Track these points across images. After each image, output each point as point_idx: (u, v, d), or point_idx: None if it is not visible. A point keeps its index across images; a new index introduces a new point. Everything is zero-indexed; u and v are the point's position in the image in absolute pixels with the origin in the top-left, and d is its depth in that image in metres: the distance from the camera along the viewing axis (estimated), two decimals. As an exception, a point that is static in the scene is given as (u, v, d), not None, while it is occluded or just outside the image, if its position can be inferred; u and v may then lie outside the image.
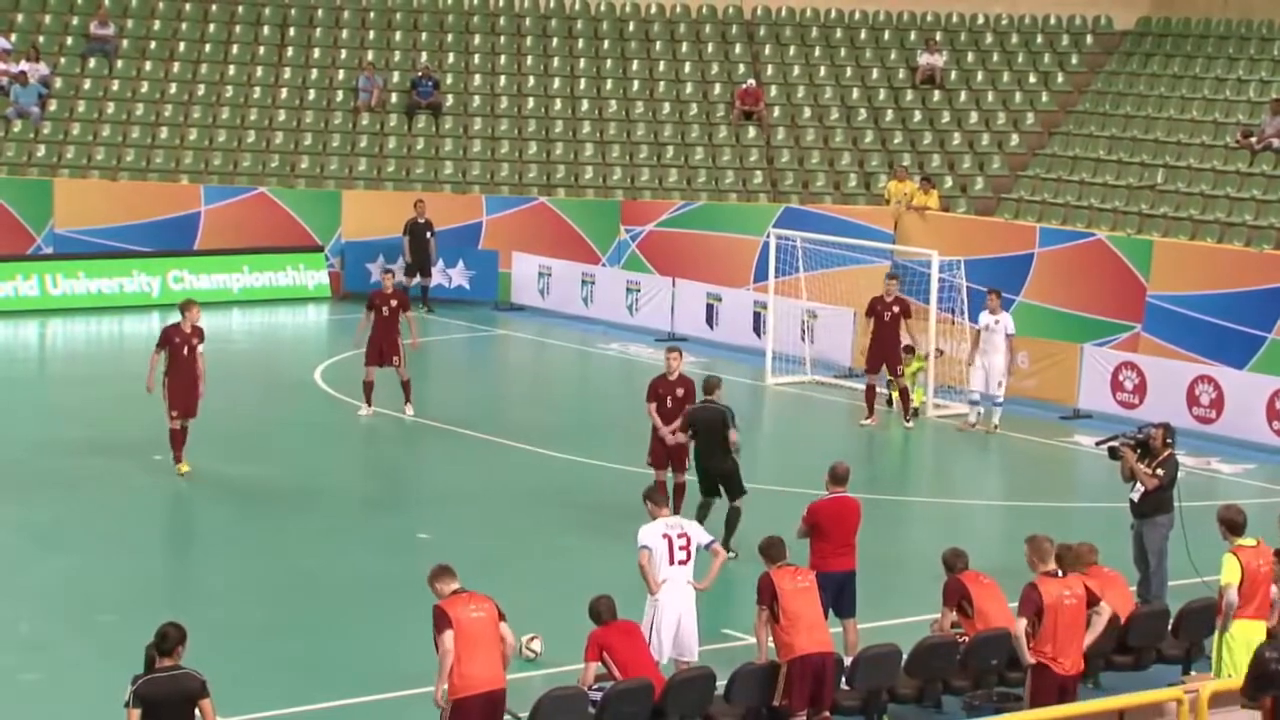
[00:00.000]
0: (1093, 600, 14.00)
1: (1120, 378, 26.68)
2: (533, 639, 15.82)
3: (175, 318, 22.14)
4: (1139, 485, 17.45)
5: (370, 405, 24.97)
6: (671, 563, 14.83)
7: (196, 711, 11.61)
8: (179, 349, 21.46)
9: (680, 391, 20.24)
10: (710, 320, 31.91)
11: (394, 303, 24.89)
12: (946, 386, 27.48)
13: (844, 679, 14.42)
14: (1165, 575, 17.46)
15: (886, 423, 26.29)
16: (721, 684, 13.97)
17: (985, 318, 25.93)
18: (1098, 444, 18.61)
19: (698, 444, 19.27)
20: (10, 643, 16.42)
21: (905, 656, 14.59)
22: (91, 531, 19.90)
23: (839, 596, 15.70)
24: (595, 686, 13.64)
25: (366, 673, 15.75)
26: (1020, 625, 13.63)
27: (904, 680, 14.64)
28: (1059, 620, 13.61)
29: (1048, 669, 13.64)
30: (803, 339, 29.37)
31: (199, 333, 21.65)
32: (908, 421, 26.11)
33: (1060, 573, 13.87)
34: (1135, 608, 15.95)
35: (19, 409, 25.58)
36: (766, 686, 13.99)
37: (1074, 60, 40.11)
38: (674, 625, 14.81)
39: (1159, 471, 17.38)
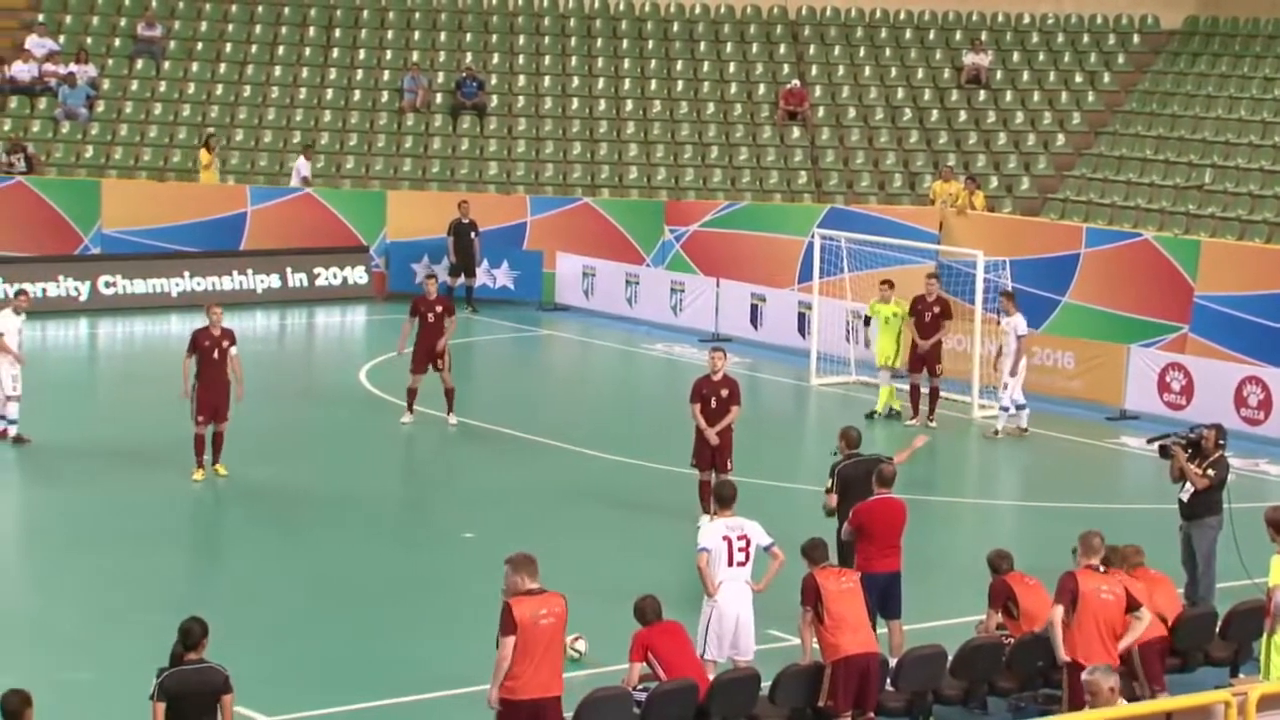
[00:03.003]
0: (1134, 604, 13.93)
1: (1167, 379, 26.53)
2: (577, 639, 15.81)
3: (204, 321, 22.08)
4: (1188, 486, 17.34)
5: (412, 412, 24.84)
6: (730, 564, 14.75)
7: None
8: (208, 352, 21.35)
9: (725, 392, 20.21)
10: (755, 320, 31.88)
11: (439, 308, 24.58)
12: (990, 388, 27.36)
13: (889, 680, 14.38)
14: (1213, 578, 17.35)
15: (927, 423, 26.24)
16: (766, 685, 13.95)
17: (1003, 320, 25.82)
18: (1149, 441, 18.52)
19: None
20: (53, 641, 16.52)
21: (950, 658, 14.54)
22: (133, 531, 19.98)
23: (884, 598, 15.65)
24: (640, 687, 13.63)
25: (408, 673, 15.77)
26: (1057, 613, 13.62)
27: (949, 682, 14.59)
28: (1092, 610, 13.59)
29: (1084, 667, 13.58)
30: (847, 339, 29.28)
31: (229, 335, 21.50)
32: (915, 419, 25.98)
33: (1102, 569, 13.83)
34: (1182, 610, 15.85)
35: (64, 409, 25.70)
36: (811, 687, 13.96)
37: (1120, 60, 39.93)
38: (732, 625, 14.77)
39: (1210, 472, 17.27)
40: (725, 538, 14.78)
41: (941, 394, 26.43)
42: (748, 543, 14.85)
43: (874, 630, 14.59)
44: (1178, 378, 26.45)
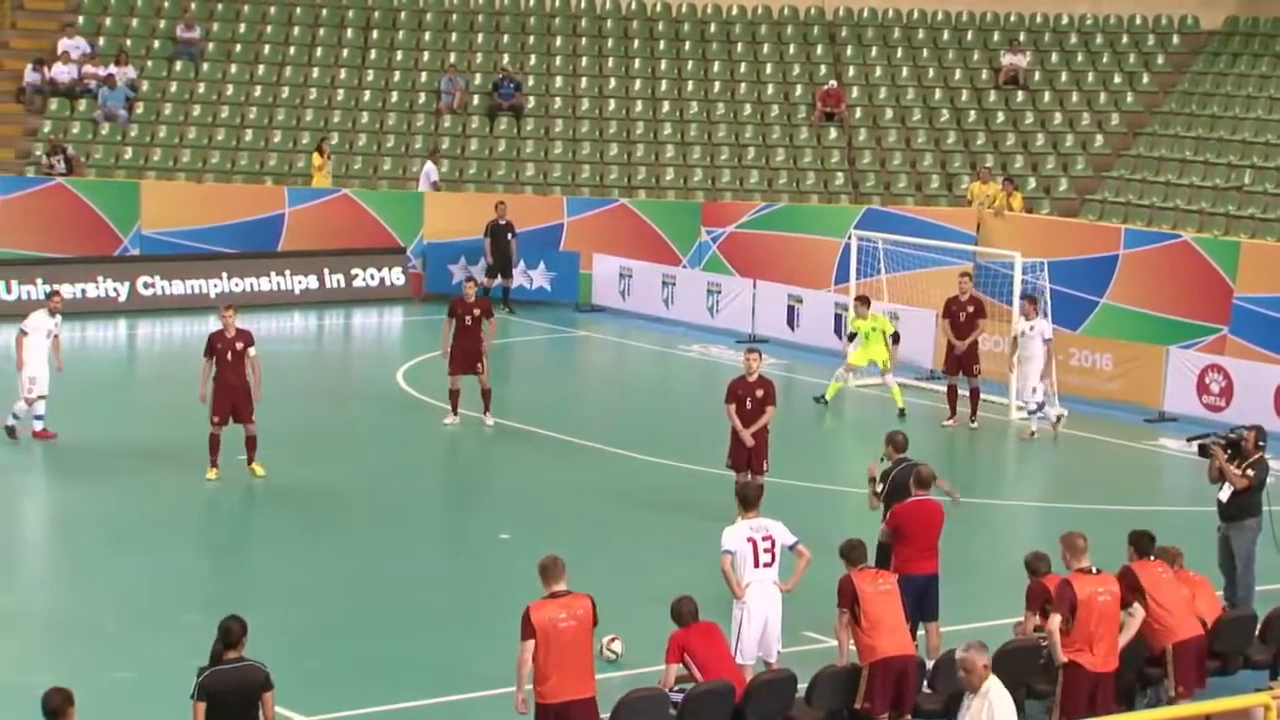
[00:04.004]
0: (1127, 601, 13.98)
1: (1207, 380, 26.41)
2: (613, 640, 15.82)
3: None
4: (1227, 486, 17.29)
5: (456, 413, 24.86)
6: (756, 565, 14.69)
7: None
8: (222, 355, 21.30)
9: (760, 393, 20.19)
10: (791, 322, 31.84)
11: (476, 311, 24.50)
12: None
13: (926, 682, 14.35)
14: (1252, 580, 17.27)
15: (960, 424, 26.19)
16: (803, 686, 13.93)
17: (1020, 324, 25.71)
18: (1189, 440, 18.50)
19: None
20: (92, 640, 16.60)
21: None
22: (171, 532, 20.07)
23: (921, 600, 15.61)
24: (676, 688, 13.63)
25: (444, 673, 15.81)
26: (1055, 621, 13.69)
27: (987, 684, 14.54)
28: (1091, 616, 13.67)
29: (1080, 667, 13.70)
30: (893, 345, 29.20)
31: (243, 337, 21.41)
32: (953, 420, 25.95)
33: (1095, 570, 13.85)
34: (1222, 613, 15.79)
35: (103, 410, 25.84)
36: (848, 689, 13.94)
37: (1160, 60, 39.78)
38: (760, 627, 14.73)
39: (1249, 473, 17.22)
40: (750, 539, 14.70)
41: (982, 395, 26.37)
42: (773, 543, 14.78)
43: (911, 632, 14.57)
44: (1217, 379, 26.33)
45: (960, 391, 26.22)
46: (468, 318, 24.51)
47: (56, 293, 24.48)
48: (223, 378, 21.37)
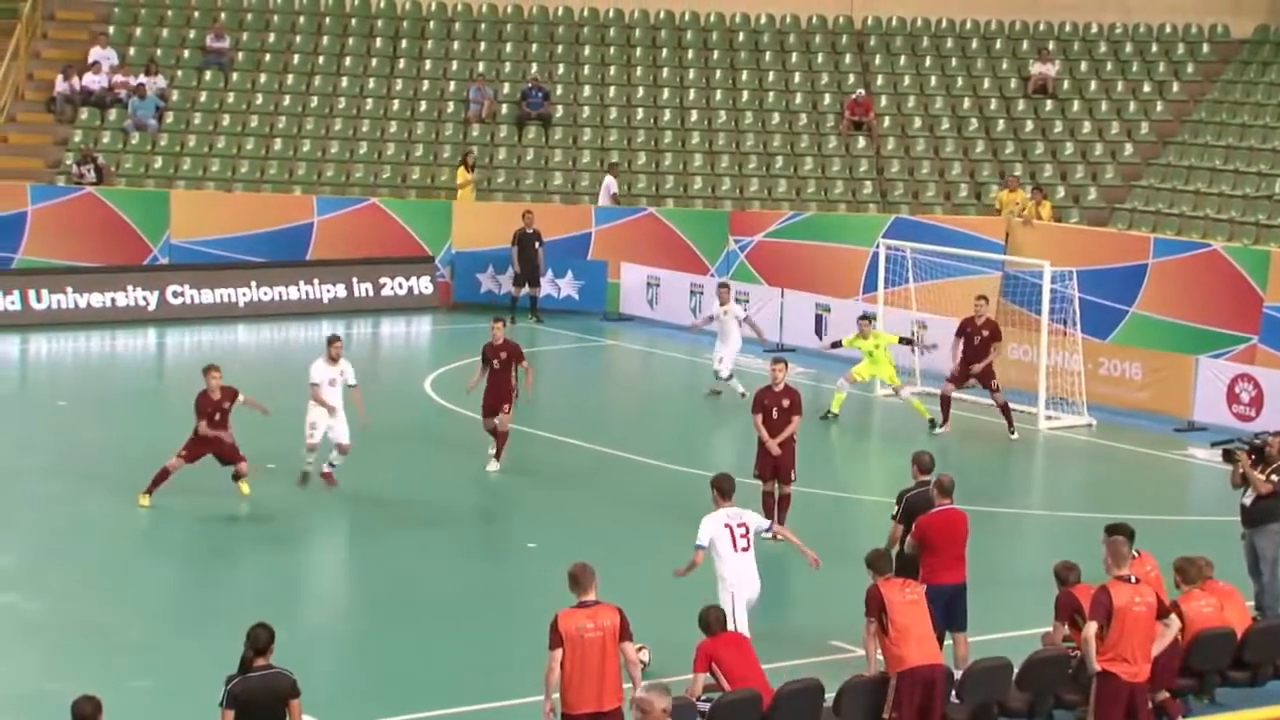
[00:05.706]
0: (1164, 612, 13.90)
1: (1236, 390, 26.32)
2: (641, 649, 15.78)
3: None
4: (1250, 491, 17.30)
5: (499, 458, 23.48)
6: (735, 550, 15.58)
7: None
8: (210, 416, 21.06)
9: (786, 402, 20.20)
10: (819, 331, 31.79)
11: (504, 354, 23.46)
12: (1058, 398, 27.24)
13: (954, 692, 14.32)
14: (1278, 588, 17.22)
15: (988, 434, 26.13)
16: (830, 696, 13.91)
17: (716, 309, 27.95)
18: (1213, 445, 18.52)
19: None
20: (124, 649, 16.64)
21: (1016, 670, 14.46)
22: (199, 539, 20.12)
23: (949, 609, 15.59)
24: (703, 697, 13.62)
25: (471, 682, 15.82)
26: (1091, 629, 13.61)
27: (1015, 694, 14.52)
28: (1126, 625, 13.60)
29: (1115, 677, 13.62)
30: (912, 350, 29.16)
31: (230, 394, 21.11)
32: (1012, 434, 25.96)
33: (1134, 578, 13.78)
34: (1251, 622, 15.72)
35: (131, 416, 25.91)
36: (876, 699, 13.92)
37: (1189, 69, 39.66)
38: (744, 605, 15.60)
39: (1274, 478, 17.22)
40: (726, 525, 15.64)
41: (1009, 405, 26.31)
42: (747, 530, 15.68)
43: (939, 642, 14.54)
44: (1247, 389, 26.24)
45: (984, 402, 26.13)
46: (495, 361, 23.80)
47: (336, 339, 22.21)
48: (211, 433, 21.11)
